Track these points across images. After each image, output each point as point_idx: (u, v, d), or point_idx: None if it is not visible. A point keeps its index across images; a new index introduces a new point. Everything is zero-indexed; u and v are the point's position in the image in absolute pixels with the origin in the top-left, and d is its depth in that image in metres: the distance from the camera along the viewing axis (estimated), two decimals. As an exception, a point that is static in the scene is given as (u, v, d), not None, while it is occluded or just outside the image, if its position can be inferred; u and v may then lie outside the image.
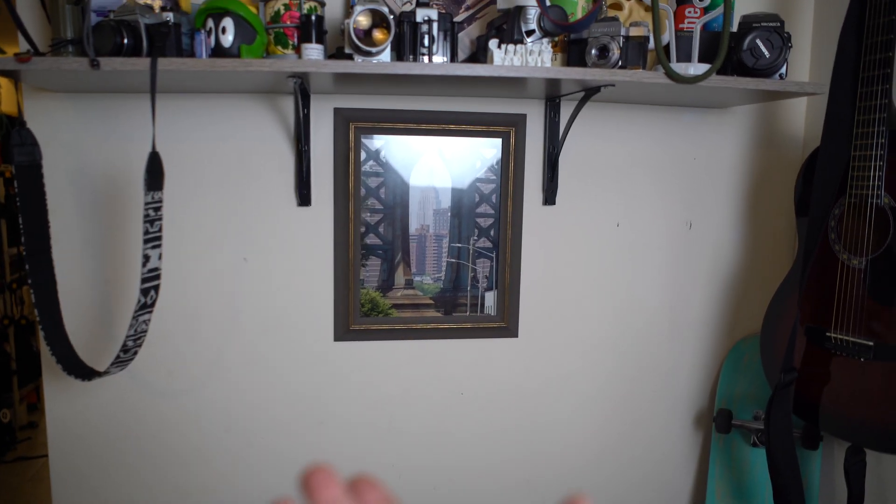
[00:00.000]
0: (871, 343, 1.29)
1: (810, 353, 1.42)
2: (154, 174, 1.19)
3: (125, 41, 1.19)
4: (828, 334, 1.37)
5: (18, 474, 3.11)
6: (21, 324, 3.76)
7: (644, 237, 1.70)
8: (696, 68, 1.29)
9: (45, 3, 1.38)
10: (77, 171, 1.47)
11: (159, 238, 1.22)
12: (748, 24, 1.29)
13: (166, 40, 1.21)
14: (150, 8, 1.24)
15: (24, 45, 1.35)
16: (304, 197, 1.53)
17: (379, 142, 1.55)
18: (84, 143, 1.46)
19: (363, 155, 1.54)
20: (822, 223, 1.37)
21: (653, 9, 1.19)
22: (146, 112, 1.46)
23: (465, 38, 1.48)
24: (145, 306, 1.22)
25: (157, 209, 1.21)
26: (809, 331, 1.42)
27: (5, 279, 3.72)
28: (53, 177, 1.45)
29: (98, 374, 1.28)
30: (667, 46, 1.35)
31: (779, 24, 1.26)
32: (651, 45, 1.32)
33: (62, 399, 1.53)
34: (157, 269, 1.22)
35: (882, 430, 1.30)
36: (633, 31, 1.28)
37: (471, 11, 1.48)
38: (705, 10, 1.32)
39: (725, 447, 1.73)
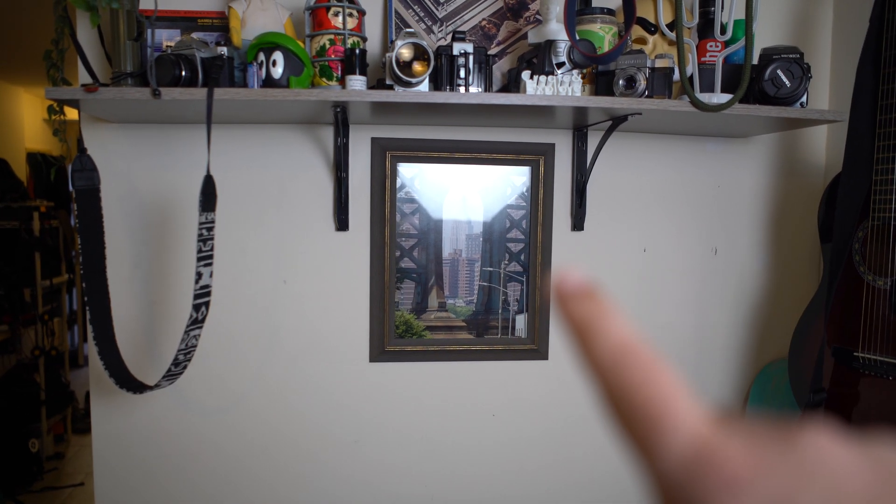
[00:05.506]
0: (899, 362, 1.32)
1: (838, 373, 1.44)
2: (208, 196, 1.26)
3: (183, 73, 1.28)
4: (855, 354, 1.39)
5: (46, 504, 3.16)
6: (51, 355, 3.82)
7: (670, 263, 1.74)
8: (719, 98, 1.35)
9: (103, 42, 1.49)
10: (128, 197, 1.55)
11: (211, 257, 1.28)
12: (769, 55, 1.35)
13: (220, 73, 1.30)
14: (205, 43, 1.33)
15: (83, 79, 1.45)
16: (342, 222, 1.60)
17: (414, 170, 1.62)
18: (135, 171, 1.55)
19: (398, 182, 1.61)
20: (846, 246, 1.40)
21: (678, 40, 1.26)
22: (194, 142, 1.55)
23: (497, 71, 1.56)
24: (196, 321, 1.28)
25: (210, 229, 1.28)
26: (837, 352, 1.44)
27: (38, 311, 3.80)
28: (106, 202, 1.53)
29: (149, 388, 1.33)
30: (690, 78, 1.42)
31: (799, 56, 1.32)
32: (676, 76, 1.39)
33: (108, 417, 1.58)
34: (208, 286, 1.29)
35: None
36: (659, 63, 1.35)
37: (502, 46, 1.56)
38: (726, 44, 1.39)
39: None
